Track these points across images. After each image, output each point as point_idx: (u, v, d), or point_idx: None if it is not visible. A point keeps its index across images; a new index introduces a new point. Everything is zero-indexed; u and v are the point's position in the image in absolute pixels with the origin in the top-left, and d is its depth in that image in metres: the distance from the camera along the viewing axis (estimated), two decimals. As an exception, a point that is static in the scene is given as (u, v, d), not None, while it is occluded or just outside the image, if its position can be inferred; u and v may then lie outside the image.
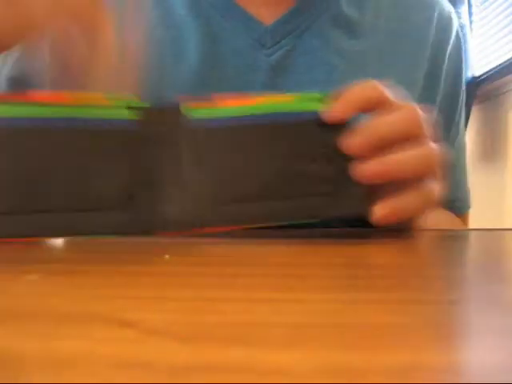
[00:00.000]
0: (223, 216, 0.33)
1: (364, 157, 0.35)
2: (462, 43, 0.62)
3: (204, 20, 0.52)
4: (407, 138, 0.36)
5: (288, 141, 0.35)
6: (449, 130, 0.60)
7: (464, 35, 1.62)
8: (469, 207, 0.66)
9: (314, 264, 0.26)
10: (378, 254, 0.31)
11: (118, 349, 0.12)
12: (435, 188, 0.38)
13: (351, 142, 0.35)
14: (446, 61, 0.58)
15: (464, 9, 1.73)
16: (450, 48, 0.58)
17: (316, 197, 0.35)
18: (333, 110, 0.35)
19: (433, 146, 0.37)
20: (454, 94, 0.60)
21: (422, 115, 0.37)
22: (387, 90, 0.37)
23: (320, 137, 0.35)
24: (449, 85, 0.59)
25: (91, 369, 0.11)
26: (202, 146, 0.33)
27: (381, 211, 0.34)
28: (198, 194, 0.33)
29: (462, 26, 1.61)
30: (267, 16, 0.52)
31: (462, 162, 0.64)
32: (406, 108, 0.36)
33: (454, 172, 0.62)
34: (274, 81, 0.51)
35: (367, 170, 0.34)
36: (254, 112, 0.35)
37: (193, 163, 0.33)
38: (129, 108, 0.32)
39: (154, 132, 0.33)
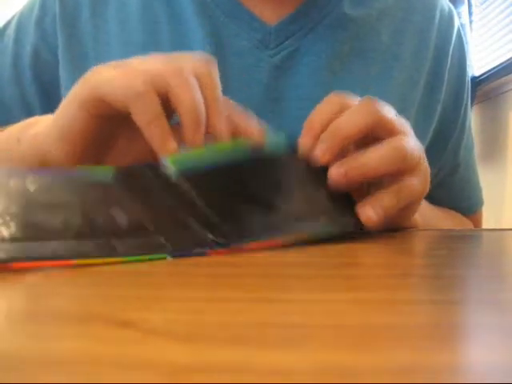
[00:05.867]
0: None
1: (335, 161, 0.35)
2: (464, 42, 0.62)
3: (209, 19, 0.52)
4: (372, 129, 0.35)
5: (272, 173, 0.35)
6: (454, 129, 0.60)
7: (464, 35, 1.62)
8: (481, 205, 0.66)
9: (315, 264, 0.26)
10: (378, 254, 0.31)
11: (117, 349, 0.12)
12: (414, 183, 0.36)
13: (316, 153, 0.35)
14: (449, 60, 0.58)
15: (464, 9, 1.73)
16: (452, 47, 0.58)
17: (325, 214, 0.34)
18: (301, 143, 0.35)
19: (403, 137, 0.36)
20: (458, 94, 0.60)
21: (382, 107, 0.36)
22: (347, 98, 0.36)
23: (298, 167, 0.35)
24: (453, 84, 0.59)
25: (91, 369, 0.11)
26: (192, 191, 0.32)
27: (367, 212, 0.34)
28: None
29: (461, 26, 1.61)
30: (271, 17, 0.52)
31: (471, 161, 0.64)
32: (364, 102, 0.36)
33: (463, 171, 0.63)
34: (277, 81, 0.51)
35: (334, 174, 0.34)
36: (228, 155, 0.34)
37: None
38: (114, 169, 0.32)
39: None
